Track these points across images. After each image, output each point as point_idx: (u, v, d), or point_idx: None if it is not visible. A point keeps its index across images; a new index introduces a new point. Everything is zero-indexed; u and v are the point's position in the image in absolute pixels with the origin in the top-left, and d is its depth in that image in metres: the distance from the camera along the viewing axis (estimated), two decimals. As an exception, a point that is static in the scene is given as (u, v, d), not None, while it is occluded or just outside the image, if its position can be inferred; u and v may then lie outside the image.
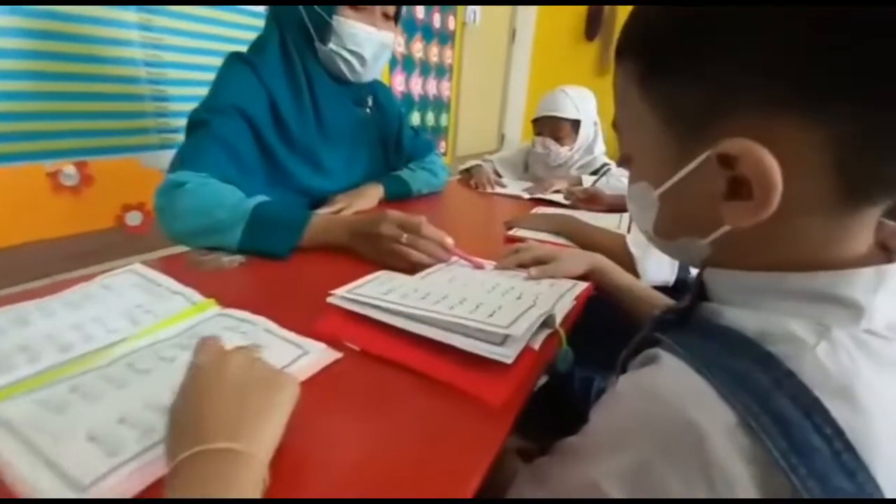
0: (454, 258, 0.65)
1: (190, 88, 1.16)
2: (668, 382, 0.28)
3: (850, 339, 0.25)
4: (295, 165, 0.87)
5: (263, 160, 0.83)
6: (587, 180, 1.23)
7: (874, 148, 0.24)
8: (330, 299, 0.46)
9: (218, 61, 0.84)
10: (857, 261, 0.27)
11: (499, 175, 1.48)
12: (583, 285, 0.60)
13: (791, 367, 0.25)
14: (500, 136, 4.29)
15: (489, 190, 1.26)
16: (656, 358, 0.30)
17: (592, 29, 3.76)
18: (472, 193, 1.28)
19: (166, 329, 0.42)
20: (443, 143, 3.23)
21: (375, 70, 0.93)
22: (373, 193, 0.98)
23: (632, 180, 0.36)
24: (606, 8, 3.69)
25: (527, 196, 1.19)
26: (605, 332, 0.65)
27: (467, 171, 1.44)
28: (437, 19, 2.86)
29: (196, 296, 0.49)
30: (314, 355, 0.40)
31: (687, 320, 0.34)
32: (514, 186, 1.31)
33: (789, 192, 0.25)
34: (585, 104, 1.34)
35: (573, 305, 0.54)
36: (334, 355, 0.41)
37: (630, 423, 0.29)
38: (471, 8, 3.16)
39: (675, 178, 0.31)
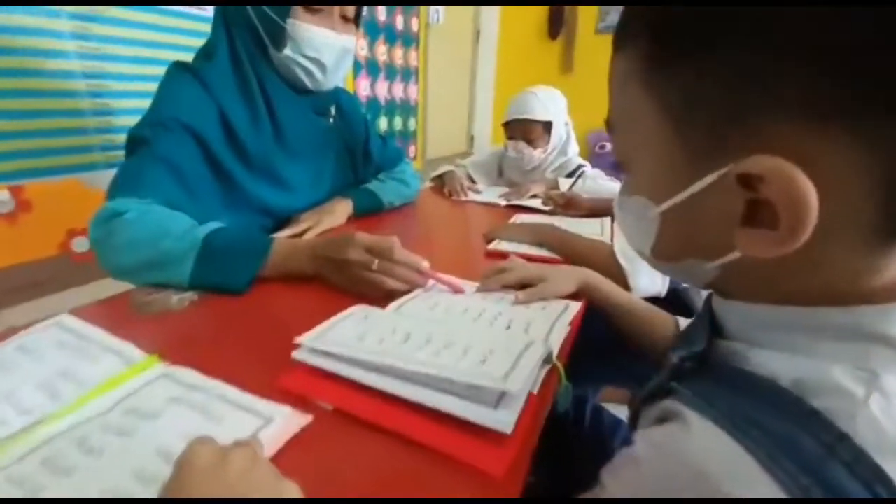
0: (431, 282, 0.60)
1: (136, 101, 1.06)
2: (698, 449, 0.23)
3: None
4: (253, 183, 0.80)
5: (216, 180, 0.75)
6: (563, 183, 1.20)
7: None
8: (295, 353, 0.40)
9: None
10: (890, 290, 0.23)
11: (472, 181, 1.44)
12: (576, 306, 0.55)
13: (844, 427, 0.20)
14: (469, 138, 4.26)
15: (463, 197, 1.21)
16: (679, 416, 0.25)
17: (555, 27, 3.78)
18: (446, 202, 1.22)
19: (94, 402, 0.35)
20: (412, 148, 3.17)
21: (337, 77, 0.86)
22: (341, 209, 0.91)
23: (626, 191, 0.31)
24: (567, 7, 3.71)
25: (503, 203, 1.14)
26: (594, 344, 0.61)
27: (439, 177, 1.38)
28: (399, 21, 2.79)
29: (135, 352, 0.41)
30: (279, 423, 0.34)
31: (705, 361, 0.29)
32: (490, 192, 1.27)
33: (821, 218, 0.21)
34: (555, 105, 1.31)
35: (568, 331, 0.49)
36: (303, 420, 0.34)
37: (654, 494, 0.24)
38: (433, 8, 3.11)
39: (683, 196, 0.26)
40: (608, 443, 0.68)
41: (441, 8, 3.17)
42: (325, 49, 0.79)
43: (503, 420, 0.31)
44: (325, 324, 0.43)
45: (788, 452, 0.20)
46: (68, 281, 1.00)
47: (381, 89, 2.68)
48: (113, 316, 0.51)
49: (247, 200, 0.80)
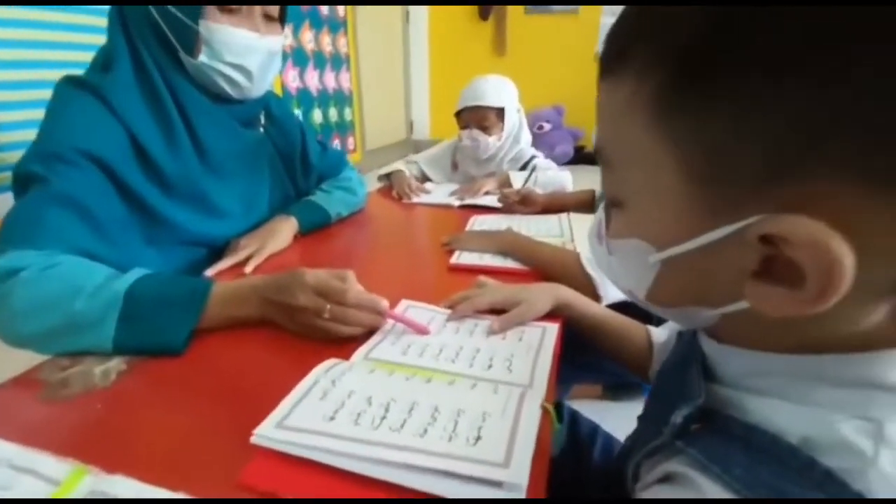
0: (390, 322, 0.54)
1: (22, 133, 0.90)
2: None
3: None
4: (177, 212, 0.69)
5: (133, 214, 0.65)
6: (515, 177, 1.17)
7: None
8: (254, 439, 0.34)
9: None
10: (887, 336, 0.22)
11: (426, 178, 1.38)
12: (553, 331, 0.53)
13: (857, 486, 0.20)
14: (408, 123, 4.16)
15: (414, 199, 1.16)
16: (688, 480, 0.24)
17: (485, 8, 3.73)
18: (396, 206, 1.16)
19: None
20: (350, 139, 3.04)
21: (265, 83, 0.77)
22: (285, 229, 0.83)
23: (618, 231, 0.28)
24: (496, -14, 3.67)
25: (457, 203, 1.10)
26: (562, 346, 0.60)
27: (386, 177, 1.32)
28: (324, 5, 2.62)
29: (53, 466, 0.33)
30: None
31: (707, 414, 0.27)
32: (440, 191, 1.22)
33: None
34: (507, 91, 1.28)
35: (552, 363, 0.47)
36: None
37: None
38: (360, -10, 2.95)
39: (691, 246, 0.23)
40: (587, 451, 0.67)
41: (367, -11, 3.02)
42: (247, 53, 0.70)
43: (514, 492, 0.28)
44: (287, 401, 0.37)
45: None
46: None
47: (312, 79, 2.52)
48: (14, 410, 0.42)
49: (172, 233, 0.70)
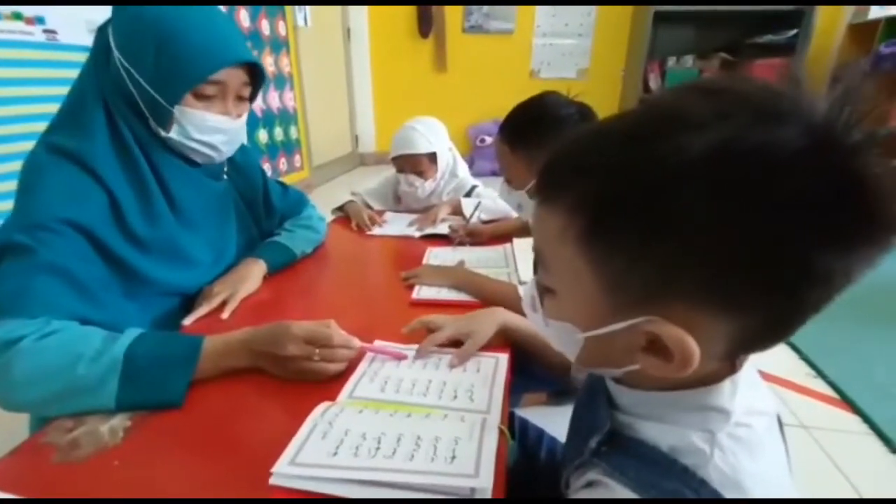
0: (366, 361, 0.63)
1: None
2: None
3: (728, 438, 0.33)
4: (152, 268, 0.73)
5: (113, 273, 0.69)
6: (466, 204, 1.27)
7: (770, 331, 0.31)
8: (273, 480, 0.42)
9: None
10: (717, 375, 0.35)
11: (369, 207, 1.46)
12: (504, 361, 0.64)
13: (702, 475, 0.32)
14: (353, 138, 4.20)
15: (376, 231, 1.24)
16: (602, 484, 0.35)
17: (425, 26, 3.86)
18: (354, 237, 1.24)
19: None
20: (297, 157, 3.04)
21: (231, 150, 0.82)
22: (255, 272, 0.88)
23: (553, 314, 0.38)
24: (434, 7, 3.80)
25: (417, 235, 1.20)
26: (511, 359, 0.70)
27: (340, 209, 1.39)
28: (265, 25, 2.63)
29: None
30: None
31: (612, 436, 0.38)
32: (397, 222, 1.30)
33: None
34: (436, 135, 1.38)
35: (503, 391, 0.58)
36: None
37: None
38: (300, 11, 2.97)
39: (603, 331, 0.34)
40: (535, 454, 0.79)
41: (308, 10, 3.05)
42: (216, 133, 0.75)
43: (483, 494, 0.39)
44: (294, 442, 0.46)
45: (675, 499, 0.32)
46: None
47: (256, 100, 2.52)
48: (34, 477, 0.46)
49: (149, 286, 0.74)
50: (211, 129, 0.74)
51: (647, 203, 0.29)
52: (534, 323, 0.42)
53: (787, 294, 0.29)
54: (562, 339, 0.38)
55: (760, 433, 0.34)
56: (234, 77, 0.73)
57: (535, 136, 0.86)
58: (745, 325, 0.30)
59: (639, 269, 0.31)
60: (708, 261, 0.28)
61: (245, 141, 0.85)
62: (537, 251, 0.38)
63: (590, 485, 0.36)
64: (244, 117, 0.79)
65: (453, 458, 0.43)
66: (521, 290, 0.79)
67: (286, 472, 0.42)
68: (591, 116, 0.87)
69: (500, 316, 0.70)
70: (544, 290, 0.38)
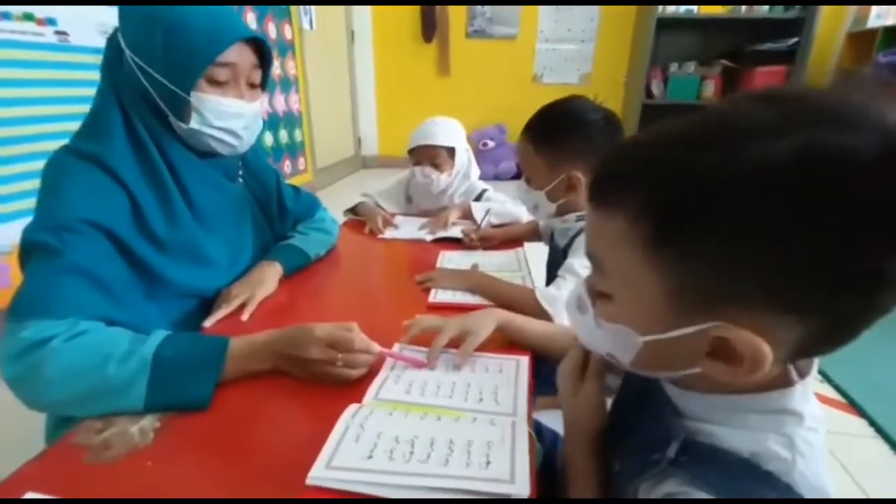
0: (388, 363, 0.64)
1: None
2: None
3: (804, 443, 0.34)
4: (173, 270, 0.74)
5: (135, 274, 0.69)
6: (476, 208, 1.28)
7: (836, 333, 0.32)
8: (310, 480, 0.42)
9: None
10: (776, 380, 0.35)
11: (381, 208, 1.46)
12: (525, 364, 0.64)
13: (787, 481, 0.33)
14: (356, 140, 4.21)
15: (387, 235, 1.24)
16: (688, 495, 0.34)
17: (429, 31, 3.88)
18: (367, 240, 1.24)
19: None
20: (301, 160, 3.04)
21: (251, 140, 0.83)
22: (272, 275, 0.88)
23: (609, 316, 0.38)
24: (438, 10, 3.82)
25: (429, 238, 1.20)
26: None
27: (352, 210, 1.40)
28: (272, 28, 2.64)
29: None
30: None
31: (686, 446, 0.37)
32: (408, 226, 1.31)
33: None
34: (456, 132, 1.41)
35: (527, 393, 0.58)
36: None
37: None
38: (305, 13, 2.98)
39: (666, 336, 0.34)
40: (551, 457, 0.80)
41: (313, 11, 3.06)
42: (235, 118, 0.76)
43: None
44: (328, 445, 0.46)
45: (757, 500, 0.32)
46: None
47: (262, 104, 2.53)
48: (69, 477, 0.46)
49: (169, 288, 0.74)
50: (229, 113, 0.75)
51: (721, 209, 0.29)
52: (575, 326, 0.42)
53: (858, 297, 0.29)
54: (617, 342, 0.38)
55: (824, 440, 0.35)
56: (244, 57, 0.74)
57: (560, 137, 0.87)
58: (812, 328, 0.31)
59: (709, 275, 0.31)
60: (781, 265, 0.29)
61: (261, 129, 0.86)
62: (592, 256, 0.38)
63: (670, 496, 0.35)
64: (258, 103, 0.81)
65: (488, 463, 0.43)
66: (564, 293, 0.80)
67: (323, 475, 0.42)
68: (616, 123, 0.88)
69: (496, 313, 0.70)
70: (598, 295, 0.38)
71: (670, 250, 0.32)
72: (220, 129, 0.75)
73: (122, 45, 0.70)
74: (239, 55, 0.73)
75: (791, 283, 0.29)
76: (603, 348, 0.40)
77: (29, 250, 0.61)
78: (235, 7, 2.25)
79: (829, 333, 0.32)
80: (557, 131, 0.88)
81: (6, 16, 1.37)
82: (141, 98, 0.71)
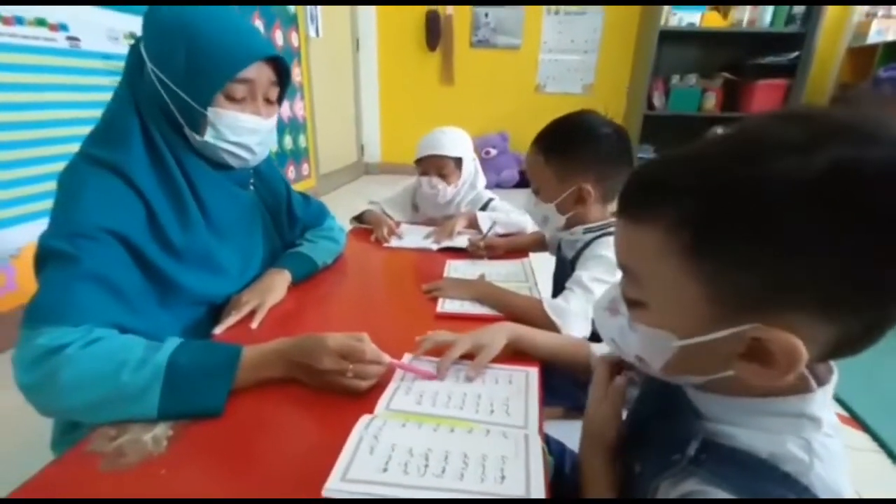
0: (398, 373, 0.64)
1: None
2: None
3: (822, 447, 0.34)
4: (187, 277, 0.74)
5: (149, 281, 0.70)
6: (481, 218, 1.29)
7: (867, 334, 0.33)
8: (326, 493, 0.43)
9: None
10: (798, 385, 0.36)
11: (387, 216, 1.47)
12: (535, 375, 0.65)
13: (804, 482, 0.33)
14: (359, 147, 4.23)
15: (393, 244, 1.25)
16: (706, 493, 0.35)
17: (433, 40, 3.91)
18: (373, 249, 1.24)
19: None
20: (305, 165, 3.06)
21: (264, 154, 0.84)
22: (281, 282, 0.89)
23: (643, 320, 0.38)
24: (443, 19, 3.86)
25: (435, 247, 1.21)
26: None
27: (358, 218, 1.40)
28: (279, 36, 2.67)
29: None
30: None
31: (706, 445, 0.38)
32: (414, 235, 1.31)
33: None
34: (464, 143, 1.41)
35: (538, 404, 0.59)
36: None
37: None
38: (311, 22, 3.01)
39: (704, 339, 0.35)
40: (559, 469, 0.80)
41: (319, 19, 3.09)
42: (249, 134, 0.77)
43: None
44: (342, 457, 0.46)
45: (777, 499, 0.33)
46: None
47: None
48: (85, 485, 0.47)
49: (182, 295, 0.75)
50: (244, 129, 0.75)
51: (760, 219, 0.30)
52: (603, 329, 0.43)
53: (892, 301, 0.31)
54: (650, 346, 0.39)
55: (842, 448, 0.36)
56: (263, 74, 0.75)
57: (571, 150, 0.88)
58: (845, 329, 0.32)
59: (750, 281, 0.32)
60: (820, 270, 0.30)
61: (274, 143, 0.87)
62: (625, 268, 0.39)
63: (689, 495, 0.36)
64: (274, 119, 0.81)
65: (503, 478, 0.43)
66: (573, 306, 0.81)
67: (339, 487, 0.42)
68: (626, 138, 0.90)
69: (508, 329, 0.71)
70: (631, 304, 0.39)
71: (711, 259, 0.33)
72: (234, 143, 0.76)
73: (144, 55, 0.71)
74: (258, 72, 0.74)
75: (829, 287, 0.30)
76: (633, 351, 0.41)
77: (45, 257, 0.62)
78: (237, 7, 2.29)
79: (860, 335, 0.33)
80: (569, 144, 0.89)
81: (19, 20, 1.38)
82: (159, 108, 0.72)
